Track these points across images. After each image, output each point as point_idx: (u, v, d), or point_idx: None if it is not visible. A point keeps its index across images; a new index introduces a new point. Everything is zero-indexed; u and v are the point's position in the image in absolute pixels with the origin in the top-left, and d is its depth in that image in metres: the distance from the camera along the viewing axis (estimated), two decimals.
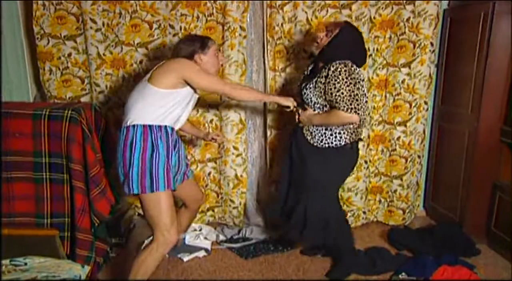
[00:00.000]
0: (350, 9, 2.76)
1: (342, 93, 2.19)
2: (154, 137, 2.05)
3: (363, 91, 2.28)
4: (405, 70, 2.92)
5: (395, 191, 3.19)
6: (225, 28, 2.73)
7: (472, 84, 2.79)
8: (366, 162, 3.09)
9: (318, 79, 2.29)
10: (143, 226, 3.15)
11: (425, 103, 3.00)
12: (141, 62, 2.78)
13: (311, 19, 2.75)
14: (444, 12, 2.98)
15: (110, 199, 2.49)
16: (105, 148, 2.56)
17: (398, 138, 3.07)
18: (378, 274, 2.58)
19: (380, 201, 3.25)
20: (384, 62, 2.92)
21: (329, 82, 2.22)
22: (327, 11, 2.75)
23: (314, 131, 2.37)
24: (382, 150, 3.13)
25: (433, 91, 3.14)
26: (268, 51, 2.83)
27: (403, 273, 2.54)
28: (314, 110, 2.37)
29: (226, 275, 2.61)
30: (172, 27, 2.75)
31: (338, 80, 2.20)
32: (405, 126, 3.03)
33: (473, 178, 2.85)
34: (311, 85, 2.33)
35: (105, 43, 2.72)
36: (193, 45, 2.18)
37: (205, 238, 2.96)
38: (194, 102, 2.27)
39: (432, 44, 2.86)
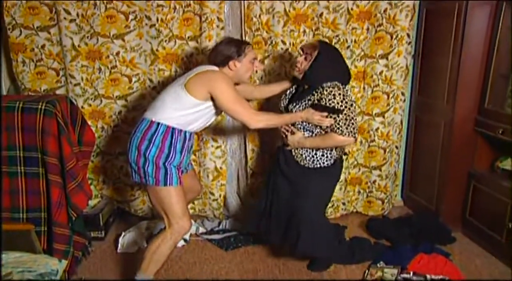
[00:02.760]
0: (328, 0, 2.76)
1: (339, 117, 2.23)
2: (174, 139, 2.14)
3: (354, 108, 2.31)
4: (382, 61, 2.94)
5: (374, 181, 3.23)
6: (203, 19, 2.70)
7: (447, 76, 2.83)
8: (345, 153, 3.10)
9: (309, 102, 2.30)
10: (122, 219, 3.15)
11: (402, 94, 3.04)
12: (117, 53, 2.73)
13: (289, 11, 2.75)
14: (420, 4, 3.01)
15: (88, 193, 2.47)
16: (81, 141, 2.53)
17: (377, 129, 3.10)
18: (357, 263, 2.62)
19: (359, 192, 3.29)
20: (362, 53, 2.94)
21: (319, 103, 2.25)
22: (305, 3, 2.75)
23: (304, 153, 2.39)
24: (361, 141, 3.16)
25: (410, 82, 3.18)
26: None
27: (381, 262, 2.58)
28: (303, 132, 2.37)
29: (206, 266, 2.62)
30: (148, 18, 2.71)
31: (333, 104, 2.22)
32: (383, 117, 3.07)
33: (449, 167, 2.91)
34: (300, 107, 2.34)
35: (80, 34, 2.67)
36: (229, 50, 2.21)
37: None
38: (220, 112, 2.30)
39: (408, 35, 2.89)
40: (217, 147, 2.98)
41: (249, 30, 2.80)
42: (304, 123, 2.34)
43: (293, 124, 2.39)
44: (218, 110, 2.24)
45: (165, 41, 2.76)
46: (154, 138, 2.11)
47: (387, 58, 2.93)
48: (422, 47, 3.08)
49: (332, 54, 2.35)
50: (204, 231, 3.03)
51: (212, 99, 2.15)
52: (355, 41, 2.90)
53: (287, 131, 2.40)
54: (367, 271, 2.53)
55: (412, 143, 3.32)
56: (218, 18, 2.72)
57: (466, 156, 2.87)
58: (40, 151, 2.21)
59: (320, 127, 2.30)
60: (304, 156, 2.38)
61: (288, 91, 2.52)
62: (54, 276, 1.97)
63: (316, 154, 2.36)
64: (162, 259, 2.18)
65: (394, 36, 2.88)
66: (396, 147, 3.18)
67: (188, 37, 2.79)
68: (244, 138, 3.08)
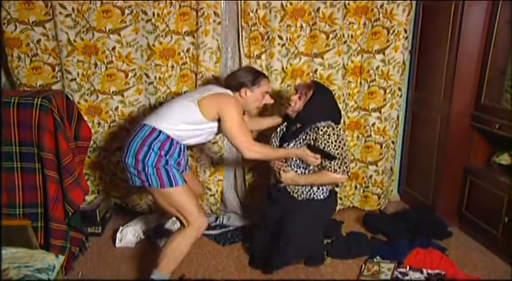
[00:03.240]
0: None
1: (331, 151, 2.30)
2: (172, 149, 2.16)
3: (347, 146, 2.40)
4: (379, 56, 2.94)
5: (371, 177, 3.24)
6: (199, 14, 2.69)
7: (444, 71, 2.83)
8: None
9: (303, 140, 2.38)
10: (119, 215, 3.15)
11: (399, 89, 3.04)
12: (113, 49, 2.72)
13: (286, 5, 2.74)
14: None
15: (84, 188, 2.47)
16: (78, 136, 2.52)
17: (373, 124, 3.11)
18: (353, 258, 2.63)
19: (356, 187, 3.30)
20: (359, 48, 2.94)
21: (318, 145, 2.31)
22: None
23: (300, 189, 2.45)
24: (358, 137, 3.17)
25: (407, 78, 3.18)
26: (243, 37, 2.81)
27: (378, 257, 2.60)
28: (296, 169, 2.43)
29: (203, 262, 2.62)
30: (144, 12, 2.70)
31: (328, 144, 2.30)
32: (380, 112, 3.07)
33: (446, 163, 2.92)
34: (295, 146, 2.40)
35: (75, 29, 2.65)
36: (245, 78, 2.29)
37: None
38: (218, 133, 2.35)
39: (405, 30, 2.89)
40: (213, 143, 2.97)
41: (245, 25, 2.78)
42: (298, 161, 2.42)
43: (286, 161, 2.46)
44: (218, 132, 2.28)
45: (162, 36, 2.75)
46: (153, 144, 2.11)
47: (383, 53, 2.93)
48: (419, 42, 3.08)
49: (326, 95, 2.44)
50: None
51: (219, 120, 2.19)
52: (352, 36, 2.90)
53: (279, 169, 2.47)
54: (363, 265, 2.54)
55: (409, 138, 3.33)
56: (214, 13, 2.70)
57: (462, 151, 2.88)
58: (36, 146, 2.20)
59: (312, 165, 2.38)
60: (299, 191, 2.46)
61: (279, 129, 2.58)
62: (51, 271, 1.97)
63: (312, 188, 2.44)
64: (182, 256, 2.18)
65: (391, 31, 2.88)
66: (393, 142, 3.18)
67: (185, 32, 2.77)
68: None
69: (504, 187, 2.55)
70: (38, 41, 2.65)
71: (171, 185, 2.11)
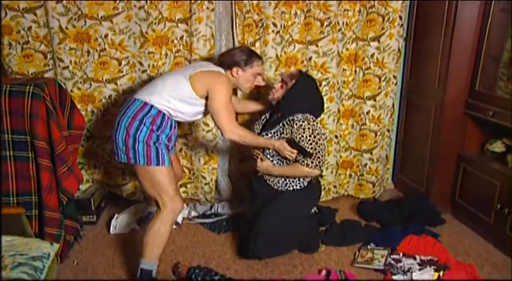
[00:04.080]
0: None
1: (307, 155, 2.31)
2: (164, 125, 2.16)
3: (324, 140, 2.40)
4: (374, 44, 2.93)
5: (365, 165, 3.25)
6: (192, 1, 2.66)
7: (439, 58, 2.83)
8: (336, 137, 3.12)
9: (279, 131, 2.37)
10: (114, 204, 3.15)
11: (394, 77, 3.03)
12: (106, 36, 2.69)
13: None
14: None
15: (78, 177, 2.46)
16: (71, 125, 2.50)
17: (368, 112, 3.10)
18: (348, 245, 2.65)
19: (350, 175, 3.31)
20: (354, 36, 2.92)
21: (298, 141, 2.31)
22: None
23: (275, 179, 2.48)
24: (352, 125, 3.17)
25: (402, 65, 3.17)
26: (237, 25, 2.78)
27: (372, 244, 2.62)
28: (272, 160, 2.44)
29: (198, 249, 2.63)
30: None
31: (302, 138, 2.31)
32: (375, 100, 3.07)
33: (439, 150, 2.93)
34: (271, 136, 2.40)
35: (67, 16, 2.61)
36: (239, 57, 2.29)
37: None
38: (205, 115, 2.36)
39: (400, 17, 2.87)
40: (208, 131, 2.96)
41: (239, 12, 2.76)
42: (274, 152, 2.42)
43: (264, 150, 2.47)
44: (206, 111, 2.28)
45: (155, 23, 2.72)
46: (145, 119, 2.11)
47: (378, 41, 2.92)
48: (414, 30, 3.06)
49: (308, 86, 2.42)
50: (196, 215, 3.04)
51: (206, 98, 2.19)
52: (346, 23, 2.88)
53: (257, 157, 2.48)
54: (357, 252, 2.56)
55: (403, 126, 3.34)
56: None
57: (456, 139, 2.89)
58: (29, 134, 2.19)
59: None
60: (277, 180, 2.47)
61: (263, 116, 2.58)
62: (46, 259, 1.97)
63: (288, 179, 2.45)
64: (164, 241, 2.18)
65: (386, 18, 2.86)
66: (388, 131, 3.19)
67: (178, 19, 2.74)
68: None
69: (497, 175, 2.57)
70: (29, 28, 2.61)
71: (157, 164, 2.12)
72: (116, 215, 2.88)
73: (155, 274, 2.20)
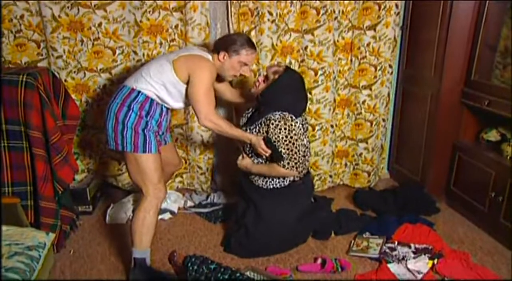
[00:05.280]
0: None
1: (281, 152, 2.27)
2: (152, 110, 2.17)
3: (302, 140, 2.34)
4: (370, 32, 2.91)
5: (361, 154, 3.26)
6: None
7: (435, 47, 2.82)
8: (332, 126, 3.12)
9: (256, 129, 2.34)
10: (110, 194, 3.14)
11: (390, 66, 3.02)
12: (100, 25, 2.66)
13: None
14: None
15: (74, 167, 2.46)
16: (65, 115, 2.49)
17: (364, 101, 3.10)
18: (343, 234, 2.67)
19: (346, 164, 3.32)
20: (350, 24, 2.90)
21: (270, 138, 2.28)
22: None
23: (255, 176, 2.46)
24: (348, 114, 3.16)
25: (398, 54, 3.16)
26: (232, 13, 2.76)
27: (367, 232, 2.63)
28: (252, 157, 2.43)
29: (194, 239, 2.64)
30: None
31: (278, 139, 2.26)
32: (370, 89, 3.06)
33: (435, 139, 2.94)
34: (249, 131, 2.37)
35: (59, 4, 2.56)
36: (231, 42, 2.23)
37: (174, 202, 2.99)
38: (186, 106, 2.34)
39: (397, 6, 2.86)
40: None
41: (235, 0, 2.73)
42: (250, 147, 2.41)
43: (244, 147, 2.46)
44: (187, 101, 2.25)
45: (149, 12, 2.69)
46: (133, 105, 2.12)
47: (374, 29, 2.90)
48: (410, 19, 3.05)
49: (292, 83, 2.35)
50: (192, 204, 3.05)
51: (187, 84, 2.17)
52: (342, 11, 2.86)
53: (240, 153, 2.48)
54: (353, 241, 2.58)
55: (399, 116, 3.34)
56: None
57: (452, 128, 2.90)
58: (23, 124, 2.18)
59: (266, 157, 2.37)
60: (257, 177, 2.46)
61: (250, 109, 2.55)
62: (41, 249, 1.97)
63: (267, 176, 2.43)
64: (152, 229, 2.19)
65: (382, 6, 2.84)
66: (383, 120, 3.19)
67: (173, 8, 2.72)
68: (232, 112, 3.06)
69: (491, 163, 2.58)
70: (22, 16, 2.58)
71: (144, 151, 2.13)
72: (112, 205, 2.88)
73: (149, 262, 2.21)
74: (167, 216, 2.86)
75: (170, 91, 2.18)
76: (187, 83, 2.17)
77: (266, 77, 2.38)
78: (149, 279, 2.17)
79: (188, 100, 2.23)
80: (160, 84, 2.15)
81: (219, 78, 2.38)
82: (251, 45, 2.28)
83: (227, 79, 2.41)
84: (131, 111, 2.12)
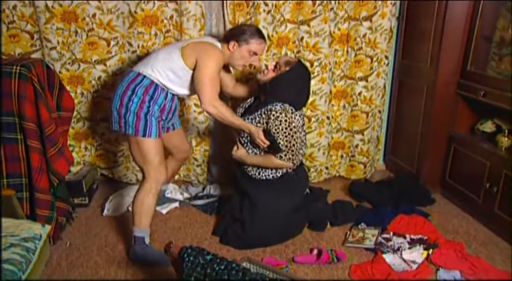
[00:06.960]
0: None
1: (280, 143, 2.27)
2: (156, 95, 2.20)
3: (300, 133, 2.35)
4: (366, 23, 2.91)
5: (357, 146, 3.26)
6: None
7: (431, 38, 2.81)
8: (328, 118, 3.12)
9: (256, 119, 2.34)
10: (106, 186, 3.14)
11: (386, 57, 3.02)
12: (94, 15, 2.64)
13: None
14: None
15: (69, 159, 2.45)
16: (60, 106, 2.47)
17: (360, 93, 3.10)
18: (339, 225, 2.68)
19: (342, 156, 3.32)
20: (346, 15, 2.89)
21: (269, 129, 2.28)
22: None
23: (249, 167, 2.46)
24: (344, 106, 3.16)
25: (394, 46, 3.16)
26: (228, 4, 2.74)
27: (363, 223, 2.64)
28: (247, 148, 2.43)
29: (191, 230, 2.65)
30: None
31: (277, 130, 2.27)
32: (366, 81, 3.06)
33: (431, 130, 2.94)
34: (250, 121, 2.36)
35: None
36: (242, 32, 2.24)
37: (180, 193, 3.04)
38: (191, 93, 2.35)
39: None
40: (199, 113, 2.95)
41: None
42: (249, 139, 2.41)
43: (239, 137, 2.46)
44: (192, 87, 2.26)
45: (144, 2, 2.67)
46: (137, 89, 2.17)
47: (371, 20, 2.89)
48: (407, 9, 3.04)
49: (301, 77, 2.37)
50: (189, 196, 3.05)
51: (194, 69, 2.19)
52: (338, 2, 2.84)
53: (236, 143, 2.48)
54: (349, 232, 2.59)
55: (395, 107, 3.34)
56: None
57: (447, 119, 2.90)
58: (17, 116, 2.17)
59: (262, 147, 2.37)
60: (250, 167, 2.46)
61: (248, 100, 2.55)
62: (37, 240, 1.97)
63: (260, 167, 2.43)
64: (151, 210, 2.27)
65: None
66: (379, 111, 3.19)
67: None
68: (227, 104, 3.05)
69: (487, 154, 2.59)
70: (14, 7, 2.55)
71: (144, 135, 2.18)
72: (110, 197, 2.88)
73: (149, 241, 2.28)
74: (172, 205, 2.92)
75: (177, 77, 2.21)
76: (194, 69, 2.19)
77: (276, 67, 2.38)
78: (146, 254, 2.25)
79: (193, 86, 2.24)
80: (167, 69, 2.19)
81: (225, 69, 2.41)
82: (260, 35, 2.30)
83: (237, 68, 2.42)
84: (134, 95, 2.16)
